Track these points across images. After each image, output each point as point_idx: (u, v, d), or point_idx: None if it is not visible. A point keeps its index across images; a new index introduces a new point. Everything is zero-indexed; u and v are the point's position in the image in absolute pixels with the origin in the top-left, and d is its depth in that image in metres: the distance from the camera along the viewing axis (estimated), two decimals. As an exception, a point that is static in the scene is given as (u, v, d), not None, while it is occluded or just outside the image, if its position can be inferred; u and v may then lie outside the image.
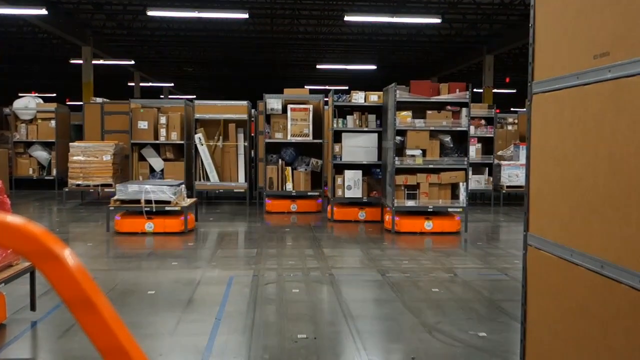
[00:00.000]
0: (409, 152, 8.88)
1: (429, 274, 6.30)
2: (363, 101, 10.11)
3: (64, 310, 4.74)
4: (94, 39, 19.15)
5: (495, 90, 21.99)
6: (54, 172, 14.69)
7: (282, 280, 5.98)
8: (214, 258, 7.11)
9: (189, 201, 9.12)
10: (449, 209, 9.04)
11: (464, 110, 8.91)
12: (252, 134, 13.06)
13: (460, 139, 9.10)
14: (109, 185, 11.97)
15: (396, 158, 8.84)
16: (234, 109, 12.28)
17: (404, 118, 8.88)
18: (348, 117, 10.20)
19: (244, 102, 12.39)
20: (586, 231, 2.39)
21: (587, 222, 2.39)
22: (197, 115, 12.15)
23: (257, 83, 31.68)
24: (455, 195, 8.96)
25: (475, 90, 28.33)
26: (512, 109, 25.99)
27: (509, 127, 16.63)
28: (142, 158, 12.37)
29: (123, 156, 12.58)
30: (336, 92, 10.32)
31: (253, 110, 13.18)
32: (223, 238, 8.89)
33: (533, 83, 2.90)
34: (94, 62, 19.18)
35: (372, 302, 5.28)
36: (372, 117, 10.13)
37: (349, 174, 10.08)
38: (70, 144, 12.38)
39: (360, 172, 10.09)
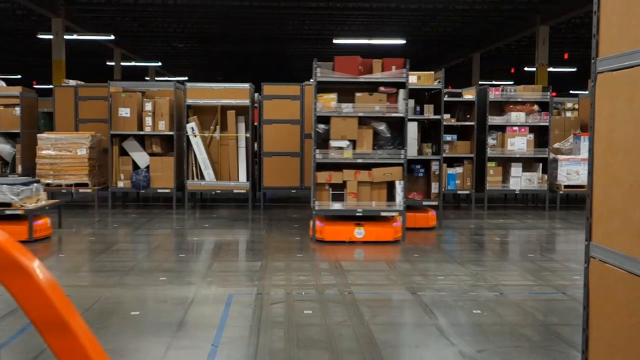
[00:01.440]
0: (333, 143, 8.83)
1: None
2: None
3: (32, 334, 4.79)
4: (66, 9, 19.31)
5: (551, 69, 21.80)
6: (19, 169, 14.84)
7: (292, 299, 6.00)
8: (209, 272, 7.15)
9: (42, 203, 9.13)
10: (382, 213, 8.94)
11: (402, 92, 8.87)
12: (256, 123, 13.10)
13: (400, 128, 9.06)
14: (85, 185, 12.08)
15: (317, 151, 8.83)
16: (234, 93, 12.33)
17: (327, 102, 8.83)
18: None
19: (246, 85, 12.44)
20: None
21: (664, 229, 2.36)
22: (190, 101, 12.22)
23: (260, 62, 31.75)
24: (391, 196, 8.91)
25: (526, 69, 28.35)
26: (571, 92, 25.78)
27: (568, 114, 16.51)
28: (123, 152, 12.47)
29: (101, 150, 12.69)
30: None
31: (256, 95, 13.22)
32: (221, 248, 8.94)
33: (598, 60, 2.87)
34: (66, 36, 19.34)
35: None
36: (410, 103, 9.87)
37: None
38: (39, 135, 12.51)
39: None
